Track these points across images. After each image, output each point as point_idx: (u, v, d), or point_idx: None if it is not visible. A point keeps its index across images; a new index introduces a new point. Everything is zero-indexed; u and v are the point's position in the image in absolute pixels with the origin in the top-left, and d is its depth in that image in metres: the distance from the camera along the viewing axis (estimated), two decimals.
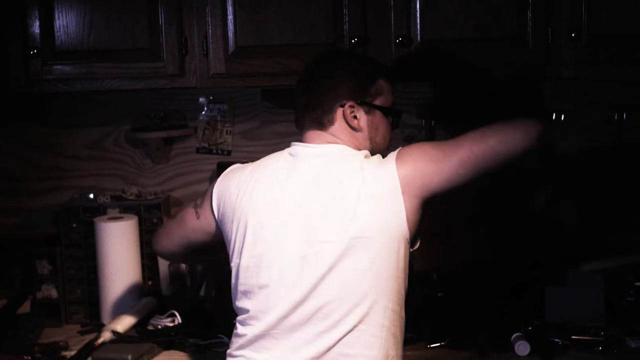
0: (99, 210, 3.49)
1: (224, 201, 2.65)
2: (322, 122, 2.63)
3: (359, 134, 2.63)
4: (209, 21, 3.17)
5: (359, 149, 2.62)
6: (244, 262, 2.55)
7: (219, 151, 3.69)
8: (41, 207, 3.68)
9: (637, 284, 3.26)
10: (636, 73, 3.15)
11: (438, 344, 3.06)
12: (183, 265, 3.51)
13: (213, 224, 2.70)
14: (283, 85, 3.41)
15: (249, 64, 3.19)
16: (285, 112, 3.66)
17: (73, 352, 3.08)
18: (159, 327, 3.24)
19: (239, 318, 2.58)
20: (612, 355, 2.98)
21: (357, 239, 2.44)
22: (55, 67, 3.19)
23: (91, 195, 3.60)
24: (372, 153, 2.63)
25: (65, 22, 3.16)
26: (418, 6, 3.16)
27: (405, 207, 2.46)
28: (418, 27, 3.18)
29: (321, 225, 2.47)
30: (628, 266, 3.40)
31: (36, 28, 3.16)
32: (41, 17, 3.16)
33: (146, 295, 3.44)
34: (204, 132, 3.68)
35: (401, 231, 2.47)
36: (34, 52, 3.16)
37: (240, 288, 2.57)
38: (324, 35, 3.18)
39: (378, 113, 2.66)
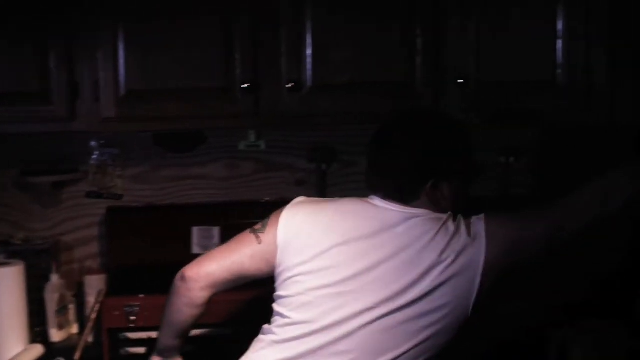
0: None
1: (293, 229, 2.57)
2: (403, 199, 2.54)
3: (441, 205, 2.54)
4: (100, 65, 3.15)
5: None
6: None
7: (110, 195, 3.65)
8: None
9: None
10: (523, 118, 3.25)
11: None
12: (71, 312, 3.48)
13: (274, 251, 2.58)
14: (174, 130, 3.41)
15: (140, 108, 3.18)
16: (176, 157, 3.66)
17: None
18: None
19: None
20: None
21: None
22: None
23: None
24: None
25: None
26: (309, 52, 3.19)
27: (480, 284, 2.43)
28: (308, 72, 3.21)
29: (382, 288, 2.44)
30: None
31: None
32: None
33: (33, 341, 3.37)
34: (94, 176, 3.64)
35: (464, 312, 2.44)
36: None
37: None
38: (216, 80, 3.20)
39: (460, 179, 2.59)
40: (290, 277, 2.53)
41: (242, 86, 3.17)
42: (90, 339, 3.35)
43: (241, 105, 3.20)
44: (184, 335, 2.74)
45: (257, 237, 2.61)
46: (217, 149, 3.69)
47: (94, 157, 3.64)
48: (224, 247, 2.70)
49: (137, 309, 3.17)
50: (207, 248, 3.48)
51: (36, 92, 3.16)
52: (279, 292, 2.57)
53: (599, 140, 3.47)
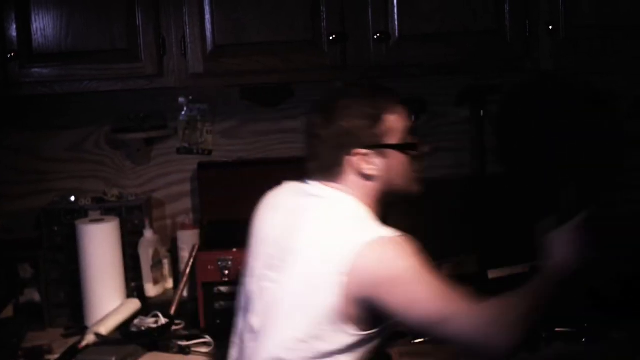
0: (81, 212, 3.48)
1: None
2: (329, 176, 2.45)
3: (372, 183, 2.42)
4: (187, 21, 3.16)
5: (374, 199, 2.44)
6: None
7: (200, 151, 3.67)
8: (22, 210, 3.65)
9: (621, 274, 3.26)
10: (615, 64, 3.18)
11: (422, 339, 3.06)
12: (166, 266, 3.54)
13: None
14: (262, 84, 3.42)
15: (227, 62, 3.18)
16: (265, 110, 3.66)
17: (57, 356, 3.07)
18: (143, 328, 3.23)
19: None
20: (597, 346, 2.98)
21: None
22: (33, 69, 3.16)
23: (72, 198, 3.58)
24: (394, 197, 2.47)
25: (42, 25, 3.14)
26: (396, 2, 3.16)
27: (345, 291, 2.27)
28: (396, 22, 3.17)
29: (272, 267, 2.44)
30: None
31: (13, 31, 3.14)
32: (18, 20, 3.13)
33: (129, 296, 3.43)
34: (184, 132, 3.66)
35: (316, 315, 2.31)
36: (11, 55, 3.13)
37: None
38: (302, 32, 3.18)
39: (393, 152, 2.42)
40: None
41: (329, 38, 3.15)
42: (185, 293, 3.39)
43: (328, 58, 3.18)
44: None
45: None
46: (306, 102, 3.67)
47: (183, 113, 3.66)
48: None
49: (230, 262, 3.19)
50: None
51: (124, 49, 3.18)
52: None
53: None
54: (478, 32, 3.22)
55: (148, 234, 3.48)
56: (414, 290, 2.24)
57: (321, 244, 2.33)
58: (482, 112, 3.61)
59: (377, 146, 2.40)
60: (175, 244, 3.59)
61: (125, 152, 3.69)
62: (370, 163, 2.40)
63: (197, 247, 3.38)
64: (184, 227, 3.59)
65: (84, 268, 3.34)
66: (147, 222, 3.50)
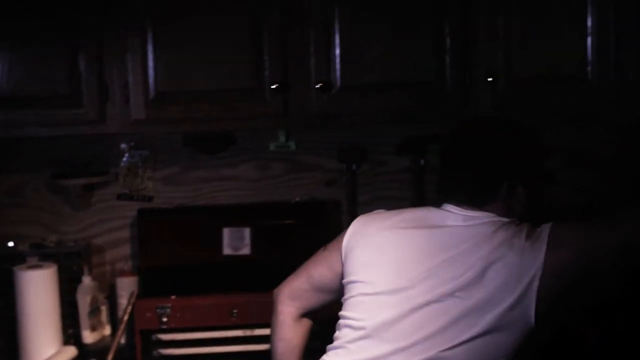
0: (19, 258, 3.43)
1: (359, 238, 2.57)
2: (477, 203, 2.50)
3: (515, 211, 2.51)
4: (129, 67, 3.16)
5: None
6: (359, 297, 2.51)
7: (140, 197, 3.66)
8: None
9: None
10: (551, 114, 3.24)
11: None
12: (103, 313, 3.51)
13: (336, 257, 2.59)
14: (204, 131, 3.41)
15: (169, 110, 3.18)
16: (207, 158, 3.66)
17: None
18: None
19: None
20: None
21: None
22: None
23: (10, 244, 3.55)
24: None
25: None
26: (338, 52, 3.19)
27: (538, 288, 2.32)
28: (338, 72, 3.20)
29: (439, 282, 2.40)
30: None
31: None
32: None
33: (66, 343, 3.39)
34: (125, 178, 3.65)
35: (521, 318, 2.34)
36: None
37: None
38: (245, 81, 3.19)
39: (534, 183, 2.56)
40: (350, 282, 2.53)
41: (271, 87, 3.17)
42: (122, 340, 3.35)
43: (270, 106, 3.20)
44: None
45: (325, 247, 2.66)
46: (248, 150, 3.69)
47: (125, 159, 3.65)
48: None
49: (169, 310, 3.18)
50: (237, 249, 3.49)
51: (66, 95, 3.17)
52: (343, 298, 2.57)
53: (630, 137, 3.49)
54: (419, 82, 3.25)
55: (86, 280, 3.46)
56: (595, 236, 2.37)
57: (507, 259, 2.35)
58: (422, 161, 3.65)
59: (526, 179, 2.52)
60: (114, 291, 3.56)
61: (65, 197, 3.66)
62: (517, 193, 2.51)
63: (135, 293, 3.36)
64: (122, 273, 3.57)
65: (21, 314, 3.30)
66: (85, 269, 3.47)
